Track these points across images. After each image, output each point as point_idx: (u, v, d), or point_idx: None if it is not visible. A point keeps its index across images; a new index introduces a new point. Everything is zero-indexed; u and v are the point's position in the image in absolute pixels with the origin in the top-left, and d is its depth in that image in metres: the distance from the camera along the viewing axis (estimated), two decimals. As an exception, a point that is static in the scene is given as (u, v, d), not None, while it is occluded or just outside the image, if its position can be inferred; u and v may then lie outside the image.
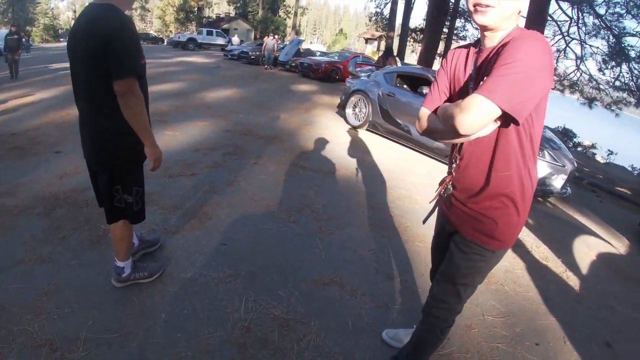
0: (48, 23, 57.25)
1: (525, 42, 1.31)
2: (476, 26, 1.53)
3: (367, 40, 41.26)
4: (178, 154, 5.39)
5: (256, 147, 6.15)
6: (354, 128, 8.25)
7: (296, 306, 2.60)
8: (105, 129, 2.17)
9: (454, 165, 1.70)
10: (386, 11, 27.12)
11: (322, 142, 6.97)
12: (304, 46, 25.95)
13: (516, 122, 1.35)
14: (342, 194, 4.66)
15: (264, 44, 20.93)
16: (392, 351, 2.29)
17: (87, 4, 2.14)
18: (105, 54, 1.95)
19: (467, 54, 1.63)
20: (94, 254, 2.92)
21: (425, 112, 1.71)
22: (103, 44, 1.94)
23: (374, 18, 31.33)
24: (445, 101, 1.67)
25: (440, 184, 1.83)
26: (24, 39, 29.74)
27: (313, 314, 2.55)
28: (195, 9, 56.59)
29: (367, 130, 8.15)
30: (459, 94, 1.63)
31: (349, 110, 8.48)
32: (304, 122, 8.49)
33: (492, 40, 1.50)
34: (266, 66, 20.18)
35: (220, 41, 35.21)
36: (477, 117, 1.33)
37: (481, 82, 1.38)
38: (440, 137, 1.63)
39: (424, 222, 1.99)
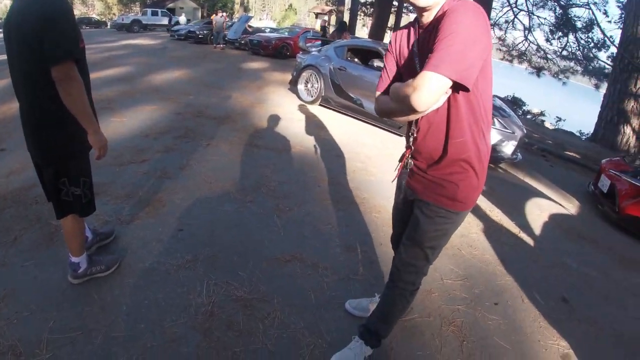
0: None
1: (457, 13, 1.38)
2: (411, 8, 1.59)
3: (317, 15, 40.64)
4: (127, 140, 5.20)
5: (208, 129, 6.03)
6: (307, 103, 8.22)
7: (258, 285, 2.62)
8: (46, 119, 2.06)
9: (411, 139, 1.77)
10: None
11: (275, 120, 6.91)
12: (253, 23, 25.26)
13: (466, 89, 1.42)
14: (298, 171, 4.67)
15: (213, 22, 20.00)
16: (357, 321, 2.36)
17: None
18: (41, 38, 1.83)
19: (409, 33, 1.71)
20: (49, 253, 2.82)
21: (378, 95, 1.79)
22: (37, 27, 1.82)
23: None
24: (394, 81, 1.74)
25: (401, 159, 1.89)
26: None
27: (275, 291, 2.59)
28: (139, -12, 53.74)
29: (320, 105, 8.14)
30: (406, 71, 1.69)
31: (301, 86, 8.42)
32: (256, 100, 8.36)
33: (428, 17, 1.57)
34: (215, 45, 19.36)
35: (166, 21, 33.75)
36: (430, 92, 1.37)
37: (427, 59, 1.43)
38: (396, 116, 1.68)
39: (398, 202, 2.06)
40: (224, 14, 21.53)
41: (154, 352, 2.09)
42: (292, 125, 6.65)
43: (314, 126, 6.78)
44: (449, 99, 1.52)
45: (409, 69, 1.67)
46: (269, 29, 24.41)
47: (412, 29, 1.69)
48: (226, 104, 7.84)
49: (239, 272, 2.73)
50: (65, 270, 2.54)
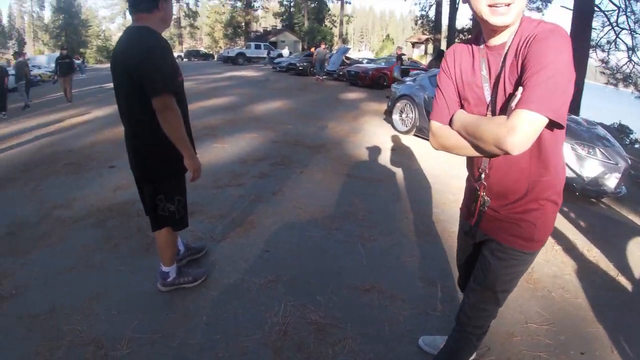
0: (101, 45, 61.24)
1: (551, 41, 1.27)
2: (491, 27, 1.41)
3: (414, 44, 41.09)
4: (226, 165, 5.64)
5: (303, 157, 6.29)
6: (402, 134, 8.24)
7: (334, 311, 2.65)
8: (147, 143, 2.39)
9: (482, 175, 1.62)
10: (431, 13, 27.02)
11: (369, 150, 7.01)
12: (351, 54, 25.93)
13: (560, 127, 1.32)
14: (388, 201, 4.67)
15: (315, 54, 20.33)
16: (428, 358, 2.28)
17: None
18: (142, 73, 2.16)
19: (472, 53, 1.54)
20: (143, 261, 3.14)
21: (438, 125, 1.63)
22: (139, 63, 2.15)
23: (419, 21, 31.16)
24: (454, 108, 1.61)
25: (475, 200, 1.71)
26: (78, 61, 32.01)
27: (350, 319, 2.59)
28: (243, 24, 58.68)
29: (414, 135, 8.12)
30: (473, 100, 1.54)
31: (395, 117, 8.51)
32: (352, 130, 8.57)
33: (502, 37, 1.42)
34: (317, 78, 19.56)
35: (270, 54, 36.16)
36: (528, 135, 1.26)
37: (517, 93, 1.32)
38: (465, 152, 1.55)
39: (472, 237, 1.85)
40: (325, 45, 22.25)
41: (226, 363, 2.22)
42: (385, 156, 6.69)
43: (407, 157, 6.75)
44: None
45: (475, 98, 1.53)
46: (366, 60, 25.06)
47: (474, 46, 1.53)
48: (322, 134, 8.13)
49: (317, 297, 2.78)
50: (155, 278, 2.81)
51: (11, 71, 13.78)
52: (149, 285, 2.81)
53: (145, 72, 2.15)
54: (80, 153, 6.13)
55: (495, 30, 1.41)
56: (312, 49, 24.11)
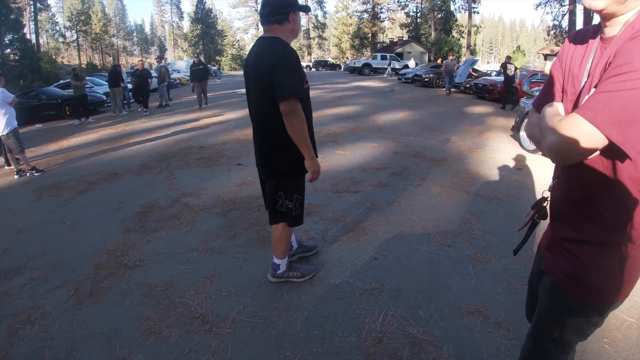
0: (235, 53, 66.86)
1: None
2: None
3: (546, 57, 38.09)
4: (346, 172, 5.77)
5: (422, 169, 6.18)
6: (529, 152, 7.69)
7: (433, 328, 2.55)
8: (272, 144, 2.57)
9: (552, 182, 1.43)
10: (565, 23, 24.83)
11: (491, 167, 6.66)
12: (479, 66, 24.76)
13: (626, 156, 1.06)
14: (505, 222, 4.38)
15: (443, 66, 19.43)
16: None
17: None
18: (271, 79, 2.34)
19: (588, 40, 1.29)
20: (258, 252, 3.35)
21: (533, 112, 1.43)
22: (269, 70, 2.33)
23: (552, 32, 28.87)
24: (555, 99, 1.38)
25: (535, 206, 1.52)
26: (214, 68, 34.83)
27: (449, 339, 2.48)
28: (369, 35, 59.38)
29: (543, 155, 7.52)
30: (569, 92, 1.31)
31: (523, 133, 7.94)
32: (475, 145, 8.22)
33: (612, 28, 1.17)
34: (447, 91, 18.67)
35: (396, 65, 36.15)
36: (571, 145, 1.07)
37: (589, 92, 1.12)
38: (539, 148, 1.32)
39: (515, 253, 1.64)
40: (453, 57, 21.26)
41: (317, 357, 2.26)
42: (508, 174, 6.28)
43: (531, 176, 6.25)
44: (606, 157, 1.14)
45: (572, 93, 1.30)
46: (495, 72, 23.83)
47: (592, 37, 1.27)
48: (444, 147, 7.91)
49: (419, 311, 2.71)
50: (267, 269, 2.98)
51: (153, 74, 15.36)
52: (260, 274, 2.99)
53: (275, 77, 2.32)
54: (211, 149, 6.68)
55: (604, 19, 1.18)
56: (439, 60, 23.58)
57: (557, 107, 1.28)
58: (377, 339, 2.41)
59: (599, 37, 1.23)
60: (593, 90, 1.10)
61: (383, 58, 37.49)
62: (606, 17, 1.17)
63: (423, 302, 2.82)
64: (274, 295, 2.76)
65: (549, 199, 1.46)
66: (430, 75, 22.15)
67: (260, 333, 2.39)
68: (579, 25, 20.79)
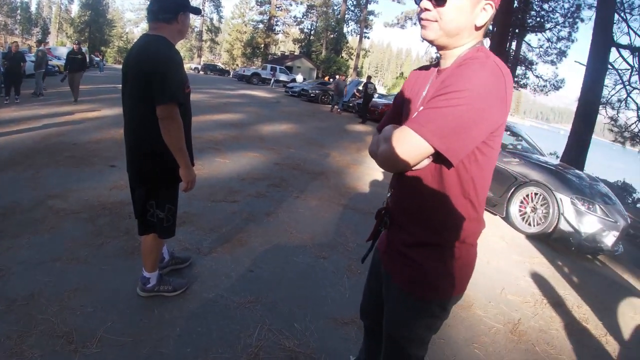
0: (122, 46, 62.38)
1: (471, 68, 1.17)
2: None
3: None
4: (225, 180, 5.67)
5: (301, 182, 6.32)
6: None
7: (309, 340, 2.61)
8: (145, 149, 2.41)
9: (388, 194, 1.56)
10: None
11: (367, 182, 7.06)
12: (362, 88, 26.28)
13: (449, 164, 1.22)
14: (379, 236, 4.66)
15: (334, 85, 19.55)
16: None
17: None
18: (150, 81, 2.20)
19: (428, 74, 1.49)
20: (127, 263, 3.13)
21: (376, 134, 1.56)
22: (149, 71, 2.20)
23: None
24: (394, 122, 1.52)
25: (377, 216, 1.63)
26: (97, 59, 32.41)
27: (325, 351, 2.55)
28: (262, 45, 59.83)
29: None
30: (405, 117, 1.49)
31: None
32: (353, 161, 8.62)
33: (446, 60, 1.37)
34: (334, 109, 19.37)
35: (284, 77, 36.72)
36: (401, 153, 1.21)
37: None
38: (376, 161, 1.45)
39: (362, 261, 1.76)
40: (344, 77, 22.19)
41: (194, 378, 2.17)
42: (383, 190, 6.70)
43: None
44: (433, 167, 1.30)
45: (406, 115, 1.48)
46: (377, 95, 25.43)
47: (433, 69, 1.48)
48: (323, 161, 8.19)
49: (295, 324, 2.75)
50: (136, 282, 2.79)
51: (31, 58, 13.81)
52: (128, 287, 2.79)
53: (154, 79, 2.19)
54: (84, 147, 6.16)
55: (440, 52, 1.39)
56: (327, 78, 24.44)
57: (393, 126, 1.40)
58: (253, 354, 2.39)
59: (437, 69, 1.43)
60: (421, 108, 1.27)
61: (273, 69, 37.77)
62: (439, 48, 1.37)
63: (299, 315, 2.87)
64: (144, 310, 2.59)
65: (387, 209, 1.57)
66: (317, 92, 22.96)
67: (130, 353, 2.23)
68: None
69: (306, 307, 2.98)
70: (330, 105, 19.79)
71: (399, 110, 1.57)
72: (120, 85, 2.47)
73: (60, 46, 38.34)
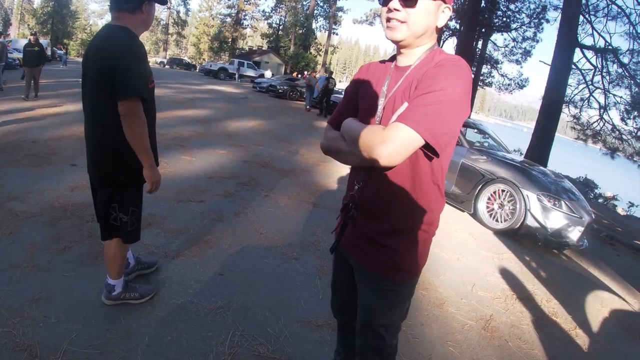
0: (85, 38, 60.07)
1: (449, 69, 1.29)
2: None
3: None
4: (191, 179, 5.53)
5: (270, 180, 6.25)
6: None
7: (284, 345, 2.57)
8: (106, 146, 2.27)
9: (356, 187, 1.59)
10: None
11: (336, 180, 7.06)
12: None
13: (436, 154, 1.32)
14: (350, 236, 4.65)
15: (306, 81, 19.32)
16: None
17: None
18: (112, 75, 2.07)
19: (383, 70, 1.57)
20: (91, 269, 2.99)
21: (327, 127, 1.69)
22: (111, 64, 2.07)
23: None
24: (348, 115, 1.60)
25: (343, 209, 1.66)
26: (60, 52, 31.28)
27: (300, 355, 2.52)
28: (230, 39, 59.00)
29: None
30: (365, 111, 1.57)
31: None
32: (323, 158, 8.59)
33: (408, 58, 1.47)
34: (308, 107, 19.21)
35: (251, 73, 36.38)
36: (400, 147, 1.25)
37: (399, 108, 1.36)
38: (346, 160, 1.55)
39: (332, 251, 1.79)
40: (315, 73, 21.82)
41: (164, 390, 2.10)
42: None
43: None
44: (409, 158, 1.37)
45: (368, 109, 1.55)
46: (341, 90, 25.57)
47: (388, 64, 1.57)
48: (292, 159, 8.13)
49: (268, 328, 2.70)
50: (101, 290, 2.66)
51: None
52: (93, 295, 2.67)
53: (117, 73, 2.07)
54: (44, 145, 5.90)
55: (401, 50, 1.47)
56: (295, 74, 24.31)
57: (358, 122, 1.49)
58: (225, 362, 2.32)
59: (393, 66, 1.52)
60: (405, 104, 1.34)
61: (240, 64, 37.33)
62: (401, 47, 1.45)
63: (272, 319, 2.82)
64: (110, 320, 2.48)
65: (352, 199, 1.60)
66: (285, 87, 22.79)
67: (96, 365, 2.13)
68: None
69: (279, 310, 2.94)
70: (305, 103, 19.57)
71: (353, 104, 1.65)
72: (81, 80, 2.33)
73: (22, 38, 36.87)
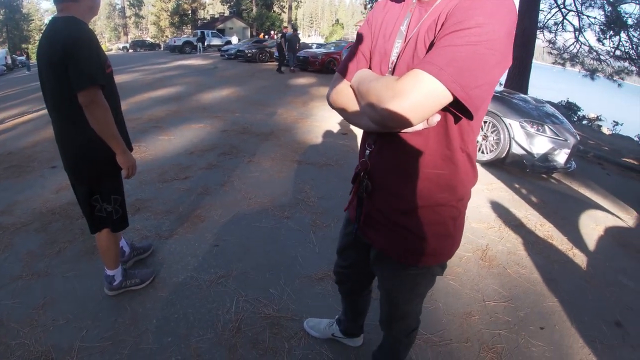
0: (43, 39, 57.72)
1: (489, 1, 0.95)
2: None
3: None
4: (173, 158, 5.46)
5: (252, 145, 6.19)
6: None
7: (288, 303, 2.62)
8: (75, 140, 2.21)
9: (367, 152, 1.32)
10: None
11: (318, 135, 7.00)
12: (301, 39, 25.85)
13: (468, 115, 1.01)
14: (338, 186, 4.67)
15: (282, 42, 17.41)
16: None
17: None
18: (65, 65, 1.98)
19: (404, 5, 1.23)
20: (89, 265, 3.00)
21: (337, 76, 1.33)
22: (62, 55, 1.96)
23: (369, 5, 31.30)
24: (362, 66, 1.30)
25: (355, 179, 1.38)
26: (20, 58, 30.09)
27: (305, 310, 2.57)
28: (189, 11, 56.94)
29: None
30: (377, 56, 1.25)
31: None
32: (301, 115, 8.51)
33: None
34: (292, 67, 17.94)
35: (217, 42, 35.42)
36: (418, 105, 0.95)
37: (421, 50, 1.07)
38: (352, 117, 1.24)
39: (353, 235, 1.54)
40: (295, 31, 19.93)
41: (179, 366, 2.16)
42: (335, 140, 6.69)
43: (356, 140, 6.77)
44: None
45: (382, 54, 1.23)
46: (315, 45, 24.93)
47: (407, 2, 1.22)
48: (271, 121, 8.03)
49: (270, 290, 2.75)
50: (102, 283, 2.67)
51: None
52: (96, 290, 2.69)
53: (70, 64, 1.97)
54: (21, 154, 5.76)
55: None
56: (261, 35, 23.61)
57: (371, 72, 1.21)
58: (234, 328, 2.38)
59: (415, 0, 1.18)
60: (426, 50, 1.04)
61: (202, 35, 36.20)
62: None
63: (272, 280, 2.87)
64: (116, 310, 2.51)
65: (364, 166, 1.33)
66: (253, 50, 22.26)
67: (111, 356, 2.16)
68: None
69: (278, 270, 2.98)
70: (287, 65, 18.03)
71: (366, 48, 1.30)
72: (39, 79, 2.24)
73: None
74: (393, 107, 0.97)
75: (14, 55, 31.37)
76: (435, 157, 1.16)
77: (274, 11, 52.46)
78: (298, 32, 17.73)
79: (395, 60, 1.17)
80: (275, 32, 24.00)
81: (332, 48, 19.06)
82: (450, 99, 0.96)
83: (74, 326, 2.38)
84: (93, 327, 2.37)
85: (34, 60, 45.17)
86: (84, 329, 2.35)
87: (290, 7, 50.83)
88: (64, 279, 2.83)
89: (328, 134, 7.08)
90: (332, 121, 8.03)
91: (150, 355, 2.18)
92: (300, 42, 18.76)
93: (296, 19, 59.86)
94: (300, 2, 65.96)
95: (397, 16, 1.22)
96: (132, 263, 2.98)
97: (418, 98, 0.95)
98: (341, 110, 1.28)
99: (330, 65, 17.02)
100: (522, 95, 7.20)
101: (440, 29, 1.01)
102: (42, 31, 2.21)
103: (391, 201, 1.28)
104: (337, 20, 79.42)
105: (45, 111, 8.47)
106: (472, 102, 0.96)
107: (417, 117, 0.97)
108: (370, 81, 1.11)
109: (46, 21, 65.19)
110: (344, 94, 1.25)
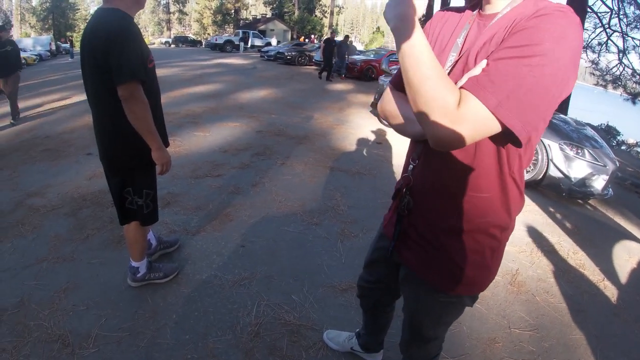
0: (88, 28, 59.97)
1: (556, 23, 0.88)
2: None
3: None
4: (206, 155, 5.54)
5: (286, 148, 6.20)
6: (388, 127, 8.18)
7: (309, 312, 2.58)
8: (113, 133, 2.24)
9: (410, 167, 1.30)
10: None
11: (352, 142, 6.96)
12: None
13: (517, 144, 0.96)
14: (370, 196, 4.61)
15: (337, 46, 16.41)
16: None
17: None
18: (107, 57, 2.00)
19: (459, 18, 1.21)
20: (115, 254, 3.05)
21: (389, 88, 1.29)
22: (104, 47, 1.99)
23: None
24: None
25: (396, 195, 1.37)
26: (65, 45, 31.30)
27: (326, 320, 2.52)
28: (232, 11, 58.21)
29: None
30: None
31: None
32: (337, 121, 8.49)
33: (496, 6, 1.09)
34: (342, 75, 17.28)
35: (258, 42, 36.03)
36: (473, 132, 0.91)
37: (473, 68, 0.99)
38: (399, 124, 1.23)
39: (389, 255, 1.45)
40: (346, 37, 18.89)
41: (194, 365, 2.14)
42: (369, 149, 6.63)
43: (391, 150, 6.70)
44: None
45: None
46: (356, 51, 24.98)
47: (468, 12, 1.20)
48: (306, 124, 8.04)
49: (293, 296, 2.72)
50: (126, 273, 2.70)
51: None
52: (119, 279, 2.72)
53: (111, 57, 1.99)
54: (58, 139, 5.97)
55: None
56: (302, 38, 23.77)
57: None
58: (253, 332, 2.35)
59: (476, 12, 1.16)
60: (483, 64, 0.96)
61: (245, 34, 36.90)
62: None
63: (296, 286, 2.83)
64: (137, 301, 2.53)
65: (406, 181, 1.31)
66: (293, 53, 22.47)
67: (128, 347, 2.17)
68: (437, 7, 22.51)
69: (303, 277, 2.95)
70: (335, 73, 17.14)
71: None
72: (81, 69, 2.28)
73: (25, 37, 37.02)
74: (451, 132, 0.90)
75: (58, 42, 32.55)
76: (483, 178, 1.12)
77: (316, 15, 53.10)
78: (350, 38, 17.40)
79: (447, 73, 1.12)
80: (316, 36, 24.08)
81: (372, 55, 18.92)
82: (499, 128, 0.92)
83: (94, 313, 2.40)
84: (113, 317, 2.39)
85: (77, 48, 47.08)
86: (104, 317, 2.38)
87: (331, 12, 51.24)
88: (89, 265, 2.88)
89: (363, 141, 7.03)
90: (367, 129, 7.98)
91: (167, 351, 2.18)
92: (353, 49, 18.40)
93: (337, 25, 60.08)
94: (342, 8, 66.40)
95: (454, 27, 1.20)
96: (157, 256, 3.00)
97: (474, 126, 0.90)
98: (389, 117, 1.26)
99: (369, 73, 16.87)
100: (563, 115, 6.99)
101: (500, 44, 0.96)
102: (87, 21, 2.24)
103: (432, 221, 1.24)
104: (378, 28, 79.40)
105: (85, 98, 8.73)
106: (525, 134, 0.91)
107: (468, 142, 0.92)
108: (434, 76, 0.92)
109: (92, 11, 67.94)
110: (392, 101, 1.24)
